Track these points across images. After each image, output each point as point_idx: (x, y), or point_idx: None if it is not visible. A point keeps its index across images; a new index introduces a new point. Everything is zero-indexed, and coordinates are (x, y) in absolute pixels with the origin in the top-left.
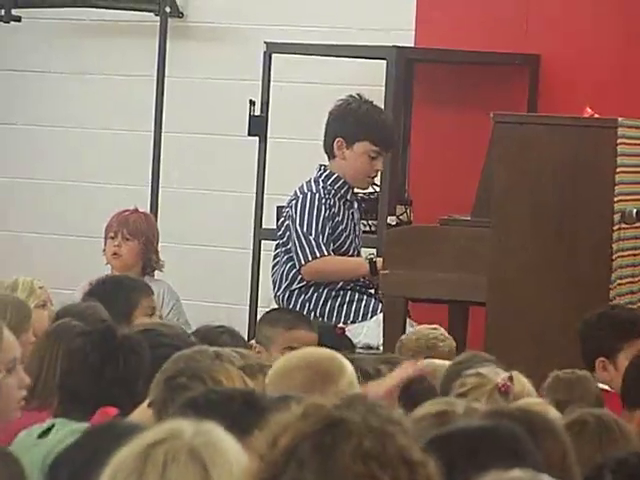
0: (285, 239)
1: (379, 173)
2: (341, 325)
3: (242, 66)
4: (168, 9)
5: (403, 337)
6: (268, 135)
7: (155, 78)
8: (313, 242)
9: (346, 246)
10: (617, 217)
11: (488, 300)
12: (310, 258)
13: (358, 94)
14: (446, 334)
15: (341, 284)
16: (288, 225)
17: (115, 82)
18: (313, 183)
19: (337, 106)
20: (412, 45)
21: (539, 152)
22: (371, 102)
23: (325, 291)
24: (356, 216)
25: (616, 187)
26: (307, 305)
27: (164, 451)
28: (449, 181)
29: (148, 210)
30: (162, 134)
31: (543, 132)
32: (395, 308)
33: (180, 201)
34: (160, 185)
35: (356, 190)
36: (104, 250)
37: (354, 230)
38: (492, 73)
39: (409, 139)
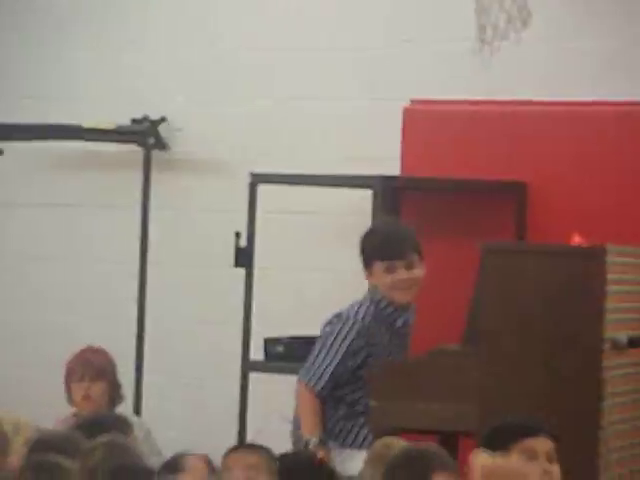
0: None
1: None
2: (321, 455)
3: (227, 197)
4: (152, 141)
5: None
6: (254, 266)
7: (140, 211)
8: (318, 370)
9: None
10: (608, 345)
11: (478, 430)
12: (304, 379)
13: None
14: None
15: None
16: (319, 338)
17: (100, 215)
18: (364, 306)
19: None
20: (398, 174)
21: (528, 281)
22: (387, 219)
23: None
24: (399, 341)
25: (606, 315)
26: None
27: None
28: (439, 310)
29: (135, 344)
30: (147, 267)
31: (531, 261)
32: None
33: (168, 334)
34: (146, 318)
35: None
36: (68, 394)
37: (392, 353)
38: (479, 201)
39: None
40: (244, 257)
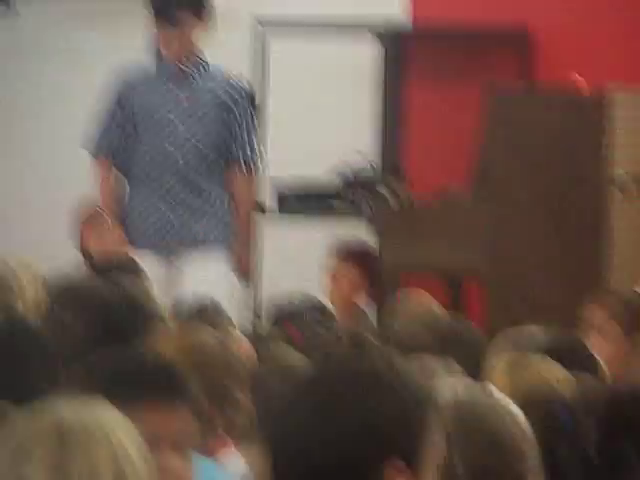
0: None
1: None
2: None
3: (231, 45)
4: None
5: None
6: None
7: None
8: (96, 135)
9: (153, 121)
10: (613, 186)
11: (487, 273)
12: (89, 150)
13: None
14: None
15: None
16: None
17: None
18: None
19: None
20: (405, 21)
21: (532, 122)
22: None
23: None
24: (186, 95)
25: (609, 152)
26: None
27: None
28: (445, 152)
29: None
30: None
31: (535, 102)
32: (392, 280)
33: None
34: None
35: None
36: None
37: (177, 108)
38: (485, 48)
39: (406, 113)
40: None
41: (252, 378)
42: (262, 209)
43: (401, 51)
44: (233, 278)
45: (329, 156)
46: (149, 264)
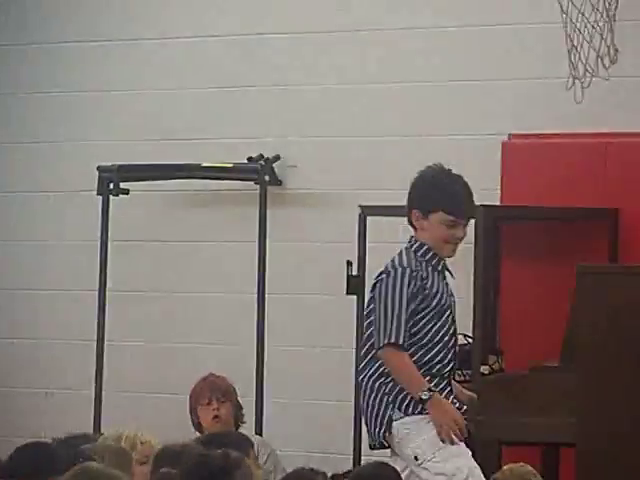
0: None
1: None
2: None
3: (339, 228)
4: (267, 178)
5: (497, 474)
6: (365, 293)
7: (257, 243)
8: (394, 326)
9: (438, 307)
10: None
11: (577, 440)
12: (385, 341)
13: (439, 164)
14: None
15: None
16: (373, 299)
17: (221, 248)
18: (405, 256)
19: (415, 177)
20: (497, 204)
21: (621, 300)
22: (449, 171)
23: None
24: (450, 285)
25: None
26: (383, 388)
27: None
28: (538, 330)
29: (255, 365)
30: (265, 296)
31: (624, 281)
32: (490, 452)
33: (285, 358)
34: (266, 346)
35: None
36: (195, 419)
37: (449, 297)
38: (574, 227)
39: (499, 292)
40: (355, 284)
41: None
42: None
43: (495, 231)
44: None
45: None
46: None
